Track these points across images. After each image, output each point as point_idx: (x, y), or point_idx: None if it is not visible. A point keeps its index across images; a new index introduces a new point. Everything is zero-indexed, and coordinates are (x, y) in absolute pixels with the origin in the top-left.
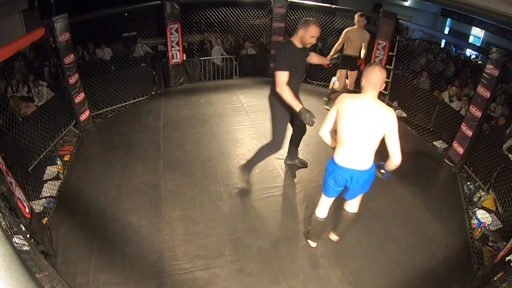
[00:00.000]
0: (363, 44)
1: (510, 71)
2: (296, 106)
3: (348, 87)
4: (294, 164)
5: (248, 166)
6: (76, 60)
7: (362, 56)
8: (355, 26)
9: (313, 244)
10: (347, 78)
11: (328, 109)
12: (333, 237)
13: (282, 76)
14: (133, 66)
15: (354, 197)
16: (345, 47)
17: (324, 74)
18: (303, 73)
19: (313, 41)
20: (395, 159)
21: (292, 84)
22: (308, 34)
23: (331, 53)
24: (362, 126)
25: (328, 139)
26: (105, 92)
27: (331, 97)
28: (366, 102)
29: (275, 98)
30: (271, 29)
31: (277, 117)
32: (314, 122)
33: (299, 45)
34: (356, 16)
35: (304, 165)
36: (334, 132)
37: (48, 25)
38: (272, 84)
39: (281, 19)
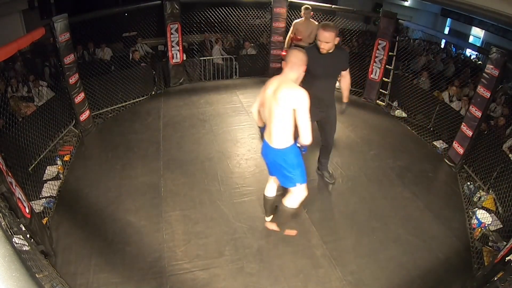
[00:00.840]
0: (312, 33)
1: (510, 71)
2: None
3: None
4: (321, 175)
5: (324, 164)
6: (76, 60)
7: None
8: (303, 19)
9: (267, 218)
10: None
11: None
12: (269, 225)
13: None
14: (133, 66)
15: (280, 181)
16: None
17: None
18: (326, 77)
19: (323, 45)
20: (303, 138)
21: (313, 87)
22: (317, 38)
23: (285, 45)
24: (270, 103)
25: (255, 116)
26: (105, 92)
27: None
28: (278, 81)
29: None
30: (271, 29)
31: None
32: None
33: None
34: (302, 9)
35: (331, 180)
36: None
37: (48, 25)
38: None
39: (281, 19)
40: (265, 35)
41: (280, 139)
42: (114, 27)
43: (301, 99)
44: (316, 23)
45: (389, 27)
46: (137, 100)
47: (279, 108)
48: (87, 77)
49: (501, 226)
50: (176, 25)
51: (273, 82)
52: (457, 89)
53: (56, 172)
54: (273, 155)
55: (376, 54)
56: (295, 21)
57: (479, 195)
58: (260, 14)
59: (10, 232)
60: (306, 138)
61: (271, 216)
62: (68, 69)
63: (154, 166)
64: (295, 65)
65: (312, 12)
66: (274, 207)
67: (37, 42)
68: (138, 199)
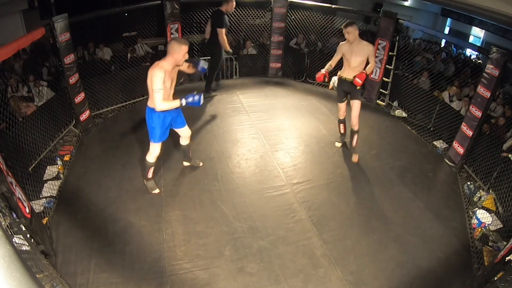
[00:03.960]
0: (369, 59)
1: (510, 71)
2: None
3: (352, 127)
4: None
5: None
6: (76, 60)
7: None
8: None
9: (156, 190)
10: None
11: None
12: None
13: None
14: (133, 66)
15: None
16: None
17: None
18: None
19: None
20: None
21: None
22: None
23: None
24: None
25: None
26: (105, 92)
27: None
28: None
29: None
30: (271, 29)
31: None
32: None
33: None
34: (343, 29)
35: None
36: None
37: (48, 25)
38: None
39: (281, 19)
40: (265, 35)
41: (150, 101)
42: (114, 27)
43: (153, 75)
44: (368, 44)
45: (389, 27)
46: (137, 100)
47: (147, 82)
48: (87, 77)
49: (501, 226)
50: (176, 25)
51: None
52: (457, 89)
53: (56, 172)
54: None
55: (376, 54)
56: (341, 43)
57: (479, 195)
58: (260, 14)
59: (10, 232)
60: (156, 104)
61: (188, 163)
62: (68, 69)
63: None
64: (170, 54)
65: (357, 31)
66: (187, 155)
67: (37, 42)
68: (138, 199)
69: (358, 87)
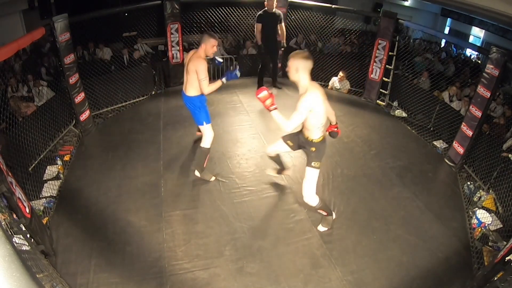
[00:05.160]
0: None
1: (510, 71)
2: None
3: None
4: None
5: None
6: (76, 60)
7: None
8: None
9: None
10: None
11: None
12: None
13: None
14: (133, 66)
15: (195, 121)
16: None
17: (324, 74)
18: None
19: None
20: (203, 89)
21: None
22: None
23: None
24: (185, 67)
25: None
26: (105, 92)
27: None
28: (191, 54)
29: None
30: None
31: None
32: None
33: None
34: None
35: None
36: None
37: (48, 25)
38: None
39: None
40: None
41: (190, 90)
42: (114, 27)
43: (199, 65)
44: (306, 95)
45: (389, 27)
46: (137, 100)
47: (190, 71)
48: (87, 77)
49: (501, 226)
50: (176, 25)
51: (189, 54)
52: (457, 89)
53: (56, 172)
54: (186, 101)
55: (376, 54)
56: None
57: (479, 195)
58: None
59: (10, 232)
60: (204, 89)
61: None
62: (68, 69)
63: (154, 166)
64: (201, 44)
65: (297, 70)
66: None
67: (37, 42)
68: (138, 199)
69: (310, 149)
